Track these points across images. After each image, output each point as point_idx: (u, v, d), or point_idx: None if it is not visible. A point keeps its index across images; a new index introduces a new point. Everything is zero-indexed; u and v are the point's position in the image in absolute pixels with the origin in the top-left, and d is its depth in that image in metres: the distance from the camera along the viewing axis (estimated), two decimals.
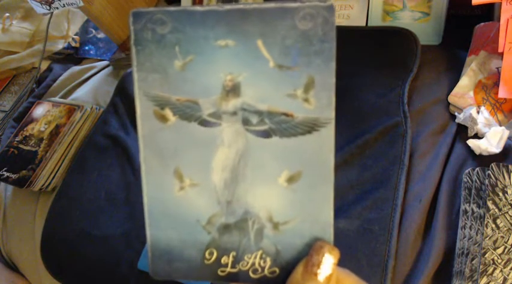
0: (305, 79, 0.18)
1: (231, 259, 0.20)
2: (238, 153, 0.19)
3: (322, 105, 0.18)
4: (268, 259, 0.19)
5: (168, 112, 0.19)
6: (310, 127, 0.18)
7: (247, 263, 0.19)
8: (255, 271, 0.20)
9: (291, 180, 0.19)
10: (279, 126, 0.18)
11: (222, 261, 0.20)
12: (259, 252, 0.19)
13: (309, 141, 0.18)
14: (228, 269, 0.20)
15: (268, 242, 0.19)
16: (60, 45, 0.75)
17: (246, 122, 0.19)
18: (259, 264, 0.19)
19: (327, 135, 0.18)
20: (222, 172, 0.19)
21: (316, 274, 0.18)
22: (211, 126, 0.19)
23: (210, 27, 0.18)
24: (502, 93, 0.44)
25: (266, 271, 0.19)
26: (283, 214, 0.19)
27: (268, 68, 0.18)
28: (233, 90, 0.18)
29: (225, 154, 0.19)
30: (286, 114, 0.18)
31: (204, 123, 0.19)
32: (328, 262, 0.18)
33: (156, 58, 0.19)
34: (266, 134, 0.19)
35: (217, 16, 0.18)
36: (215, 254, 0.20)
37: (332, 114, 0.18)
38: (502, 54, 0.45)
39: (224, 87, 0.18)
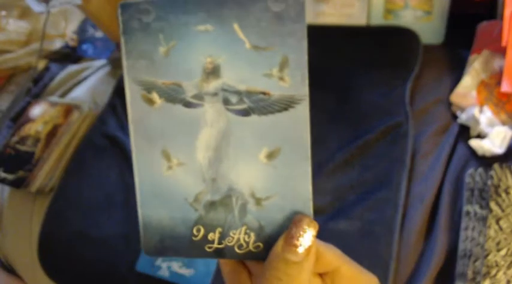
0: (280, 59, 0.19)
1: (217, 235, 0.20)
2: (220, 132, 0.20)
3: (296, 82, 0.19)
4: (252, 234, 0.20)
5: (154, 96, 0.20)
6: (286, 104, 0.19)
7: (233, 239, 0.20)
8: (240, 247, 0.20)
9: (270, 156, 0.20)
10: (257, 104, 0.19)
11: (209, 237, 0.20)
12: (244, 228, 0.20)
13: (285, 118, 0.19)
14: (215, 245, 0.20)
15: (252, 218, 0.20)
16: (57, 44, 0.75)
17: (226, 102, 0.20)
18: (244, 240, 0.20)
19: (302, 112, 0.19)
20: (206, 151, 0.20)
21: (296, 246, 0.18)
22: (195, 107, 0.20)
23: (190, 13, 0.19)
24: (506, 87, 0.44)
25: (251, 246, 0.20)
26: (265, 190, 0.20)
27: (245, 49, 0.19)
28: (213, 72, 0.19)
29: (208, 133, 0.20)
30: (263, 93, 0.19)
31: (187, 104, 0.20)
32: (307, 234, 0.18)
33: (143, 45, 0.20)
34: (245, 113, 0.19)
35: (196, 2, 0.19)
36: (202, 231, 0.20)
37: (306, 90, 0.19)
38: (504, 50, 0.45)
39: (205, 69, 0.19)
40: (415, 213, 0.42)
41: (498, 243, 0.37)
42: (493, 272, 0.37)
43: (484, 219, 0.39)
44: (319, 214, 0.44)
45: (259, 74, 0.19)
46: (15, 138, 0.59)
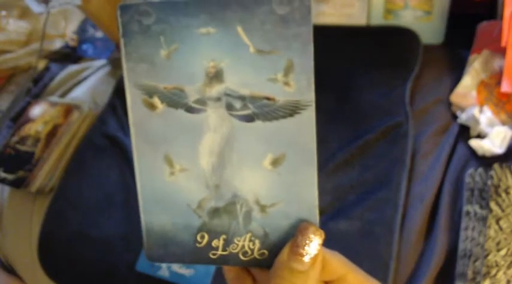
0: (285, 63, 0.18)
1: (221, 242, 0.20)
2: (224, 138, 0.19)
3: (302, 87, 0.18)
4: (257, 242, 0.20)
5: (156, 100, 0.19)
6: (291, 110, 0.19)
7: (237, 246, 0.20)
8: (245, 254, 0.20)
9: (275, 163, 0.19)
10: (262, 110, 0.19)
11: (213, 244, 0.20)
12: (248, 235, 0.20)
13: (291, 124, 0.19)
14: (219, 252, 0.20)
15: (257, 225, 0.20)
16: (57, 44, 0.75)
17: (229, 107, 0.19)
18: (248, 247, 0.20)
19: (308, 118, 0.19)
20: (209, 157, 0.20)
21: (301, 255, 0.18)
22: (197, 112, 0.19)
23: (191, 15, 0.19)
24: (505, 87, 0.44)
25: (255, 253, 0.20)
26: (270, 196, 0.19)
27: (249, 53, 0.19)
28: (216, 76, 0.19)
29: (212, 139, 0.20)
30: (268, 98, 0.19)
31: (190, 109, 0.19)
32: (313, 243, 0.18)
33: (143, 48, 0.19)
34: (249, 118, 0.19)
35: (198, 4, 0.19)
36: (206, 237, 0.20)
37: (312, 96, 0.19)
38: (504, 50, 0.45)
39: (207, 73, 0.19)
40: (415, 213, 0.42)
41: (498, 243, 0.37)
42: (493, 272, 0.37)
43: (484, 219, 0.39)
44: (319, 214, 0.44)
45: (263, 79, 0.18)
46: (15, 138, 0.59)
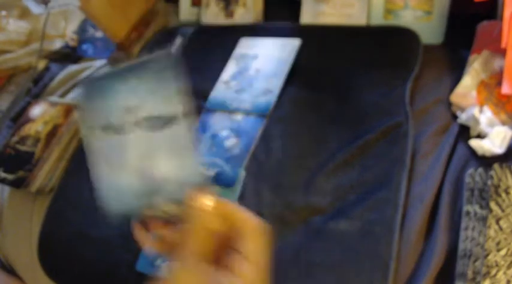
0: (174, 90, 0.29)
1: (155, 209, 0.29)
2: (144, 147, 0.29)
3: (176, 107, 0.28)
4: (173, 206, 0.29)
5: (98, 132, 0.31)
6: (175, 121, 0.28)
7: (167, 209, 0.29)
8: (171, 214, 0.29)
9: (177, 155, 0.28)
10: (161, 123, 0.29)
11: (154, 210, 0.30)
12: (169, 202, 0.29)
13: (179, 130, 0.28)
14: (155, 213, 0.30)
15: (172, 196, 0.29)
16: (57, 44, 0.75)
17: (144, 127, 0.29)
18: (169, 209, 0.29)
19: (185, 123, 0.28)
20: (138, 161, 0.29)
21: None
22: (124, 134, 0.30)
23: (113, 77, 0.30)
24: (506, 89, 0.44)
25: (174, 213, 0.29)
26: (180, 179, 0.29)
27: (147, 92, 0.29)
28: (132, 109, 0.29)
29: (136, 149, 0.29)
30: (165, 116, 0.28)
31: (118, 133, 0.30)
32: (197, 203, 0.27)
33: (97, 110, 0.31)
34: (155, 130, 0.29)
35: (115, 73, 0.30)
36: (149, 205, 0.30)
37: (179, 109, 0.28)
38: (504, 51, 0.45)
39: (126, 108, 0.30)
40: (415, 213, 0.42)
41: (498, 243, 0.37)
42: (493, 272, 0.37)
43: (484, 219, 0.39)
44: (319, 214, 0.44)
45: (159, 104, 0.29)
46: (15, 138, 0.59)
